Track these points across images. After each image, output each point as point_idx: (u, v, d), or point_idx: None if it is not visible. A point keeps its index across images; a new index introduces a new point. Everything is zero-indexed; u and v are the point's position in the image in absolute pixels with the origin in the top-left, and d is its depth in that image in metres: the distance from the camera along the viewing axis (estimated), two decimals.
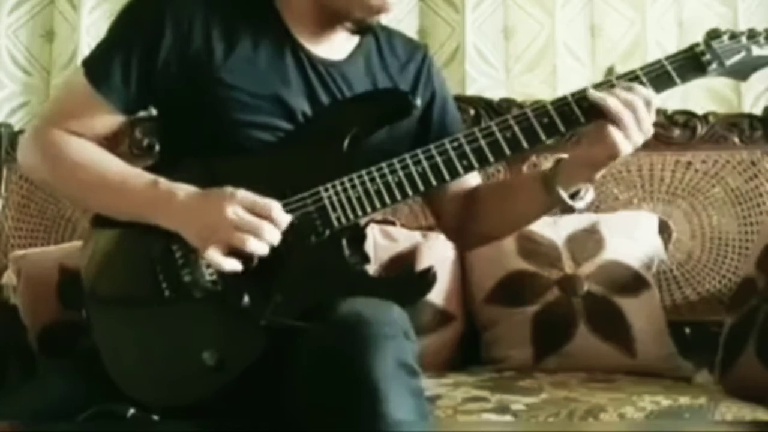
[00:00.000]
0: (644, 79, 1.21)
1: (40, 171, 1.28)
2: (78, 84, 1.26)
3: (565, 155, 1.26)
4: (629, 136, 1.16)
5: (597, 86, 1.20)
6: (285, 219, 1.14)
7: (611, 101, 1.16)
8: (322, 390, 1.03)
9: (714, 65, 1.23)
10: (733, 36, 1.25)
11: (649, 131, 1.18)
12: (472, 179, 1.41)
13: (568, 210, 1.28)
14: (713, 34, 1.25)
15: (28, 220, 2.15)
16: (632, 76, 1.21)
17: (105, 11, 2.35)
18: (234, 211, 1.12)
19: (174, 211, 1.16)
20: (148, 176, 1.20)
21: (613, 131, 1.16)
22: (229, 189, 1.14)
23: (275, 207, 1.14)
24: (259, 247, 1.12)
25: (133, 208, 1.19)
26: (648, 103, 1.17)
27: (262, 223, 1.12)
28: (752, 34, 1.25)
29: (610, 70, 1.23)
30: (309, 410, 1.05)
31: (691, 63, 1.23)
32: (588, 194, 1.27)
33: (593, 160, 1.22)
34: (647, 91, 1.18)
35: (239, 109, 1.24)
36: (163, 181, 1.19)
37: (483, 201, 1.39)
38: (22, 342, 1.84)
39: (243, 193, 1.13)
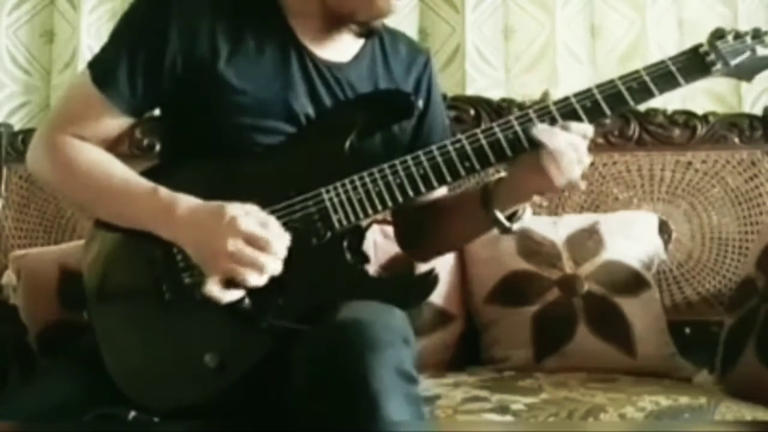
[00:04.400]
0: (648, 79, 1.21)
1: (48, 177, 1.28)
2: (84, 87, 1.26)
3: (504, 174, 1.27)
4: (567, 172, 1.16)
5: (536, 111, 1.20)
6: (284, 245, 1.13)
7: (555, 141, 1.16)
8: (321, 394, 1.03)
9: (718, 65, 1.23)
10: (738, 36, 1.24)
11: (586, 166, 1.18)
12: (439, 192, 1.39)
13: (505, 231, 1.27)
14: (717, 34, 1.25)
15: (28, 220, 2.15)
16: (636, 77, 1.21)
17: (105, 11, 2.35)
18: (235, 245, 1.10)
19: (172, 226, 1.15)
20: (148, 186, 1.19)
21: (552, 166, 1.16)
22: (229, 213, 1.12)
23: (274, 239, 1.12)
24: (259, 282, 1.11)
25: (134, 218, 1.19)
26: (585, 138, 1.18)
27: (263, 257, 1.11)
28: (757, 34, 1.25)
29: (545, 95, 1.23)
30: (308, 413, 1.05)
31: (695, 63, 1.23)
32: (525, 215, 1.28)
33: (530, 187, 1.22)
34: (585, 127, 1.18)
35: (243, 112, 1.24)
36: (162, 193, 1.17)
37: (432, 215, 1.39)
38: (22, 342, 1.84)
39: (243, 225, 1.11)
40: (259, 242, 1.11)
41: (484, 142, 1.20)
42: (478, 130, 1.21)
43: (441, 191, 1.39)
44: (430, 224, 1.39)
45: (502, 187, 1.26)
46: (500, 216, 1.25)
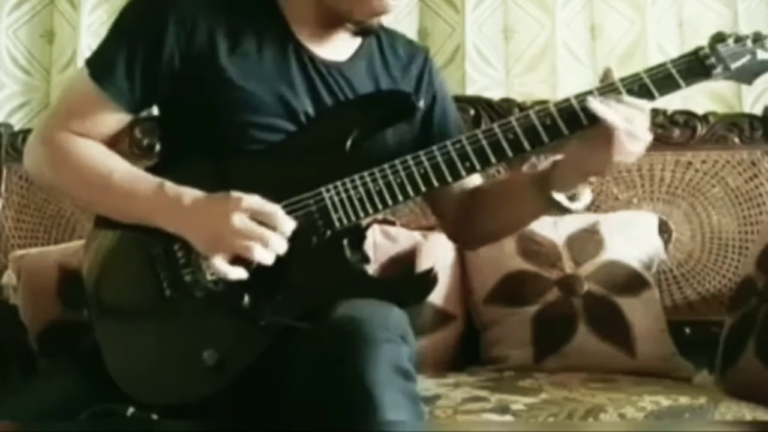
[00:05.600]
0: (648, 82, 1.21)
1: (47, 175, 1.27)
2: (82, 84, 1.25)
3: (560, 156, 1.26)
4: (624, 148, 1.17)
5: (601, 90, 1.20)
6: (290, 225, 1.14)
7: (610, 115, 1.16)
8: (318, 392, 1.03)
9: (719, 69, 1.23)
10: (738, 39, 1.24)
11: (646, 140, 1.18)
12: (474, 179, 1.41)
13: (565, 212, 1.28)
14: (718, 38, 1.24)
15: (28, 220, 2.15)
16: (636, 79, 1.21)
17: (105, 11, 2.35)
18: (240, 219, 1.11)
19: (180, 217, 1.16)
20: (154, 180, 1.19)
21: (609, 141, 1.16)
22: (235, 195, 1.13)
23: (280, 214, 1.14)
24: (265, 256, 1.12)
25: (139, 213, 1.19)
26: (643, 113, 1.17)
27: (268, 232, 1.12)
28: (757, 38, 1.24)
29: (606, 74, 1.22)
30: (305, 411, 1.05)
31: (695, 66, 1.23)
32: (585, 196, 1.27)
33: (588, 165, 1.22)
34: (641, 103, 1.18)
35: (242, 109, 1.24)
36: (169, 186, 1.18)
37: (481, 202, 1.39)
38: (22, 342, 1.84)
39: (248, 201, 1.12)
40: (264, 217, 1.12)
41: (484, 142, 1.21)
42: (478, 131, 1.22)
43: (476, 180, 1.39)
44: (480, 213, 1.38)
45: (557, 169, 1.25)
46: (559, 197, 1.25)
